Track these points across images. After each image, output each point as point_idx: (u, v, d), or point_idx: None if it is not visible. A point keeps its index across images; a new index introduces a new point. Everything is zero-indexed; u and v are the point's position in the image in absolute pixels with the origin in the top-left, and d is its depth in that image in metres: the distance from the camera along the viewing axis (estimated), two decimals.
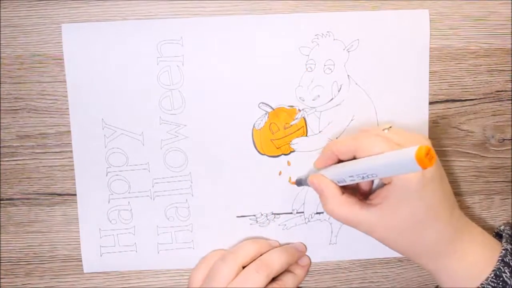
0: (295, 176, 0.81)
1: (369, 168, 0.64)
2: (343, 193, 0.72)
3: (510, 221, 0.85)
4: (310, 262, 0.84)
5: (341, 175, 0.70)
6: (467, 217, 0.73)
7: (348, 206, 0.70)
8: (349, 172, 0.68)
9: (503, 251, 0.70)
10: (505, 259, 0.69)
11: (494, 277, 0.68)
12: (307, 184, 0.77)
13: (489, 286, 0.67)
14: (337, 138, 0.81)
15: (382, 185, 0.71)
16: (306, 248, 0.83)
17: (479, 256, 0.70)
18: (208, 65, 0.79)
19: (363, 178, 0.66)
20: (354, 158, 0.69)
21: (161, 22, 0.78)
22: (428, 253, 0.71)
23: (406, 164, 0.58)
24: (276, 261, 0.77)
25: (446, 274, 0.71)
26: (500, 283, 0.67)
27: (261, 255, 0.79)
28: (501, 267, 0.68)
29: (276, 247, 0.81)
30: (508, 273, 0.68)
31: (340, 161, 0.73)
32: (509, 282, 0.67)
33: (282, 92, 0.80)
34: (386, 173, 0.63)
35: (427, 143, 0.69)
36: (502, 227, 0.77)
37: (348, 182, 0.69)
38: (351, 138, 0.71)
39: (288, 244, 0.83)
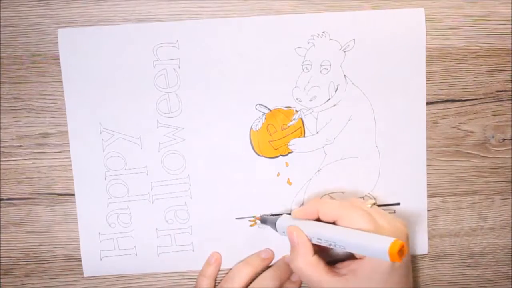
0: (294, 177, 0.81)
1: (346, 241, 0.66)
2: (314, 253, 0.72)
3: (510, 221, 0.84)
4: None
5: (321, 236, 0.70)
6: None
7: (315, 267, 0.71)
8: (329, 237, 0.69)
9: None
10: None
11: None
12: (273, 227, 0.78)
13: None
14: (333, 137, 0.81)
15: (351, 256, 0.72)
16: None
17: None
18: (204, 68, 0.79)
19: (339, 246, 0.67)
20: (333, 222, 0.71)
21: (157, 26, 0.78)
22: None
23: (378, 252, 0.62)
24: (269, 286, 0.80)
25: None
26: None
27: (255, 274, 0.82)
28: None
29: (268, 259, 0.83)
30: None
31: (318, 218, 0.73)
32: None
33: (279, 93, 0.80)
34: (359, 251, 0.66)
35: (404, 233, 0.71)
36: None
37: (323, 244, 0.70)
38: (338, 204, 0.72)
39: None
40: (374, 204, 0.75)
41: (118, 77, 0.79)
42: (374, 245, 0.62)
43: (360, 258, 0.69)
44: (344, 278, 0.69)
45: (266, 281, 0.80)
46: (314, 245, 0.71)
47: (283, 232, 0.75)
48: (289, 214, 0.77)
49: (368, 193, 0.82)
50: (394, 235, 0.64)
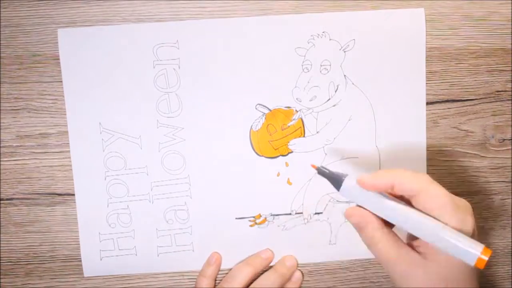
0: (294, 177, 0.82)
1: (431, 235, 0.60)
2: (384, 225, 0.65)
3: (510, 221, 0.84)
4: (303, 276, 0.85)
5: (394, 218, 0.63)
6: None
7: (391, 241, 0.64)
8: (408, 227, 0.62)
9: None
10: None
11: None
12: (332, 183, 0.67)
13: None
14: (333, 137, 0.81)
15: None
16: (296, 262, 0.84)
17: None
18: (204, 68, 0.79)
19: (417, 234, 0.62)
20: (408, 197, 0.63)
21: (156, 26, 0.78)
22: None
23: (464, 256, 0.58)
24: (270, 286, 0.80)
25: None
26: None
27: (255, 275, 0.82)
28: None
29: (268, 259, 0.83)
30: None
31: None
32: None
33: (279, 93, 0.80)
34: (442, 247, 0.60)
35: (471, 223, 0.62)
36: None
37: (396, 224, 0.64)
38: (422, 178, 0.63)
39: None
40: None
41: (118, 77, 0.79)
42: (462, 248, 0.58)
43: None
44: (422, 256, 0.62)
45: (266, 282, 0.81)
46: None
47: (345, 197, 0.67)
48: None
49: None
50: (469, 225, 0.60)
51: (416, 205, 0.62)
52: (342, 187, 0.65)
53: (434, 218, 0.60)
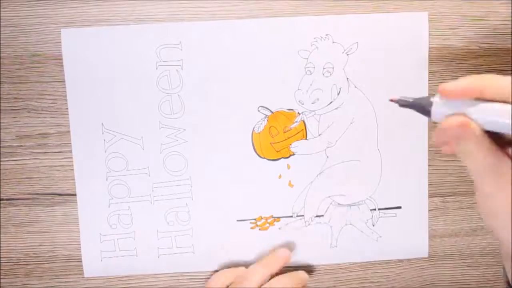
0: (295, 180, 0.82)
1: None
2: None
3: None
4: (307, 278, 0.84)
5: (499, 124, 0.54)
6: None
7: (492, 149, 0.55)
8: None
9: None
10: None
11: None
12: (420, 111, 0.60)
13: None
14: (335, 139, 0.81)
15: None
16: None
17: None
18: (207, 69, 0.79)
19: None
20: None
21: (160, 27, 0.78)
22: None
23: None
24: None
25: None
26: None
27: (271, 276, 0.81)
28: None
29: (284, 258, 0.82)
30: None
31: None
32: None
33: (281, 96, 0.80)
34: None
35: None
36: None
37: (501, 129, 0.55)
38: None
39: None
40: None
41: (120, 78, 0.79)
42: None
43: None
44: None
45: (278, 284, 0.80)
46: None
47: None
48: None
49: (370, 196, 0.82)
50: None
51: None
52: (432, 110, 0.58)
53: None
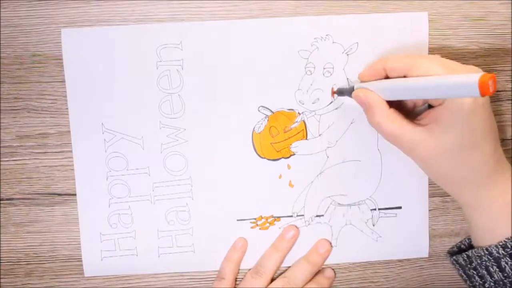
0: (295, 180, 0.82)
1: (426, 86, 0.63)
2: (390, 107, 0.70)
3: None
4: (335, 275, 0.85)
5: (394, 90, 0.68)
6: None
7: (395, 120, 0.69)
8: (404, 89, 0.67)
9: None
10: None
11: None
12: (349, 95, 0.75)
13: None
14: (335, 139, 0.81)
15: (426, 108, 0.73)
16: (330, 245, 0.84)
17: None
18: (207, 69, 0.79)
19: (416, 96, 0.67)
20: (403, 77, 0.68)
21: (160, 27, 0.78)
22: (468, 182, 0.69)
23: (466, 88, 0.57)
24: (299, 277, 0.81)
25: (481, 210, 0.70)
26: None
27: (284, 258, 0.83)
28: None
29: (292, 237, 0.83)
30: None
31: (386, 77, 0.71)
32: None
33: (282, 96, 0.80)
34: (442, 94, 0.62)
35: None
36: None
37: (399, 98, 0.70)
38: (405, 56, 0.69)
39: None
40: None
41: (121, 78, 0.79)
42: (462, 81, 0.57)
43: (439, 105, 0.66)
44: (426, 127, 0.67)
45: (297, 272, 0.82)
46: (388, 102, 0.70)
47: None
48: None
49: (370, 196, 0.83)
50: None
51: None
52: (353, 93, 0.74)
53: None
